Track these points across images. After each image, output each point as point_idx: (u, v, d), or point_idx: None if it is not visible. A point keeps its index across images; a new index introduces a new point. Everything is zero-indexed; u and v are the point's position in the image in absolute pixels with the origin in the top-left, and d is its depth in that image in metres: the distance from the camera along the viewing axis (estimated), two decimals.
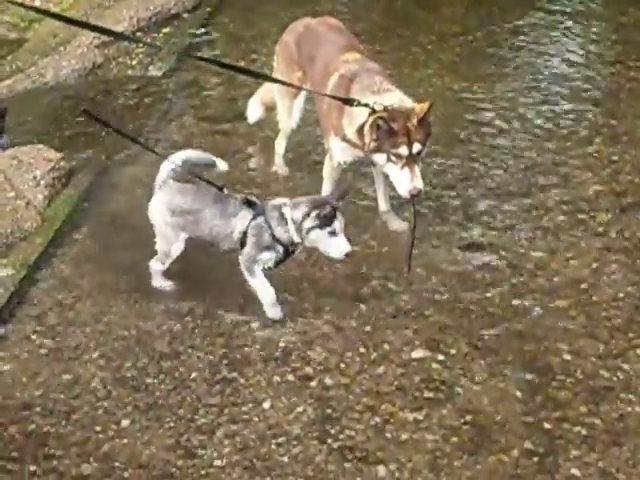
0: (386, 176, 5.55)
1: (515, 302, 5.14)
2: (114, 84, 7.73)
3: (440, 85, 5.29)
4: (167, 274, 5.24)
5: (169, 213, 5.14)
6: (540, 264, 5.46)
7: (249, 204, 5.01)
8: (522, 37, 8.42)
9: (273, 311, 5.01)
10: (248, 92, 6.67)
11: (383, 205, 5.86)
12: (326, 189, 5.76)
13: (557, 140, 6.72)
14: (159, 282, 5.26)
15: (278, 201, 5.05)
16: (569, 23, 8.69)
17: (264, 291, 5.02)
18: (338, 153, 5.63)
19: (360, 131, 5.32)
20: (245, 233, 4.98)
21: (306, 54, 5.91)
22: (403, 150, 5.17)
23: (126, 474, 4.16)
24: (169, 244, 5.18)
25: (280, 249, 4.99)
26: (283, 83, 5.94)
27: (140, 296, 5.21)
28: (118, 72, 7.91)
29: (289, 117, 6.22)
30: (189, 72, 7.79)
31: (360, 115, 5.32)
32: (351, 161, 5.65)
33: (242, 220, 5.00)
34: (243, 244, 5.01)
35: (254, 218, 4.98)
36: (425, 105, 5.24)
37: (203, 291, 5.24)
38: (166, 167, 5.20)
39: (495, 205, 6.00)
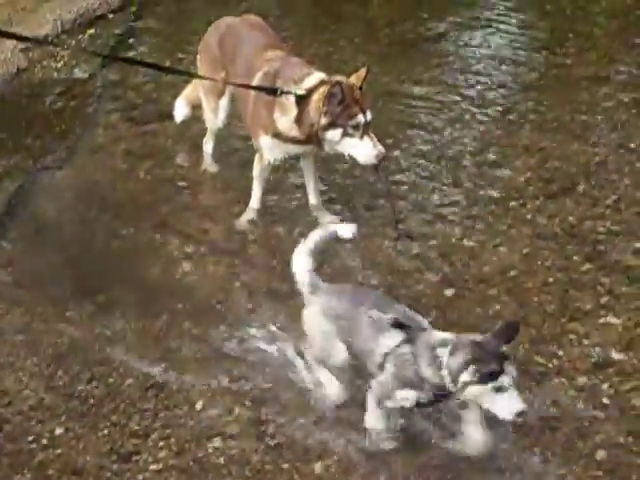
0: (315, 169, 5.71)
1: (447, 292, 5.16)
2: (40, 87, 7.63)
3: (369, 78, 5.28)
4: None
5: (325, 320, 4.29)
6: (471, 253, 5.48)
7: (400, 326, 4.03)
8: (449, 27, 8.46)
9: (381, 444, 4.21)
10: (174, 92, 6.62)
11: (313, 199, 5.83)
12: (256, 189, 5.77)
13: (486, 128, 6.75)
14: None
15: (437, 336, 4.01)
16: (495, 12, 8.74)
17: (375, 424, 4.19)
18: (269, 151, 5.60)
19: (299, 118, 5.29)
20: (387, 356, 4.05)
21: (229, 54, 5.87)
22: (360, 119, 5.17)
23: None
24: (328, 357, 4.30)
25: (429, 391, 4.00)
26: (207, 79, 5.90)
27: (70, 302, 5.15)
28: (43, 75, 7.81)
29: (215, 117, 6.18)
30: (115, 74, 7.72)
31: (292, 105, 5.32)
32: (281, 158, 5.64)
33: (389, 340, 4.05)
34: (382, 368, 4.08)
35: (402, 343, 4.02)
36: (361, 73, 5.28)
37: (134, 293, 5.20)
38: (304, 275, 4.42)
39: (425, 196, 6.01)
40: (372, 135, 5.22)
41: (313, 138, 5.32)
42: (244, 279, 5.34)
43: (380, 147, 5.21)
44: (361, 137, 5.21)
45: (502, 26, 8.41)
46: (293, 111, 5.33)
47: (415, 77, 7.51)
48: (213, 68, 5.95)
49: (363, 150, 5.22)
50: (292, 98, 5.30)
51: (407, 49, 8.13)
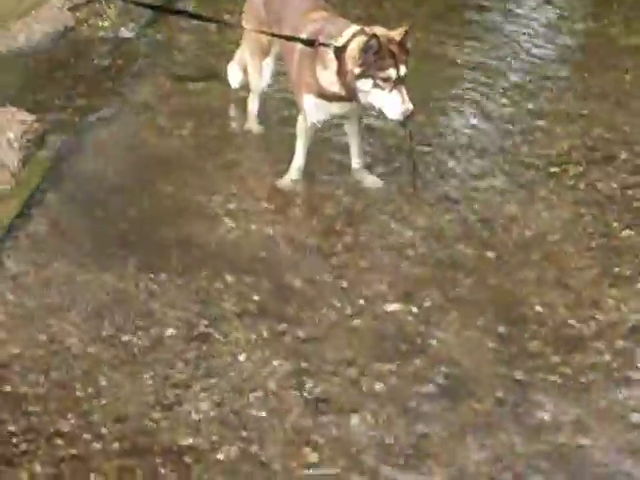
0: (360, 129, 5.78)
1: (488, 254, 5.17)
2: (86, 46, 7.68)
3: (412, 42, 5.31)
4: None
5: None
6: (512, 218, 5.49)
7: None
8: None
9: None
10: (220, 51, 6.72)
11: (356, 162, 5.86)
12: (299, 149, 5.79)
13: (529, 96, 6.76)
14: None
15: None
16: None
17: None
18: (313, 111, 5.63)
19: (339, 71, 5.31)
20: None
21: (274, 15, 5.90)
22: (392, 72, 5.17)
23: (103, 429, 4.15)
24: None
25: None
26: (255, 31, 5.94)
27: (114, 256, 5.20)
28: (90, 34, 7.85)
29: (260, 77, 6.23)
30: (161, 33, 7.80)
31: (331, 58, 5.36)
32: (325, 119, 5.68)
33: None
34: None
35: None
36: (402, 29, 5.28)
37: (176, 248, 5.26)
38: None
39: (467, 161, 6.03)
40: (403, 91, 5.21)
41: (351, 91, 5.33)
42: (286, 236, 5.37)
43: (408, 103, 5.20)
44: (390, 90, 5.21)
45: None
46: (333, 64, 5.37)
47: (459, 43, 7.52)
48: (258, 28, 5.98)
49: (391, 104, 5.22)
50: (331, 51, 5.34)
51: (453, 15, 8.16)
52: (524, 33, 7.70)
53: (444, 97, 6.79)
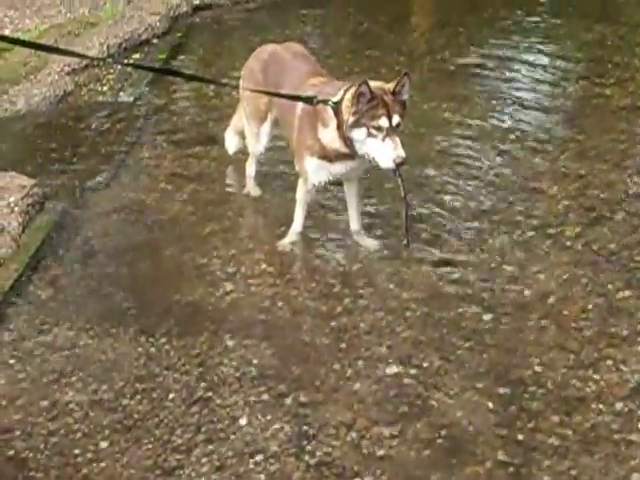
0: (357, 192, 5.85)
1: (486, 316, 5.20)
2: (85, 110, 7.82)
3: (409, 105, 5.38)
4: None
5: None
6: (510, 278, 5.51)
7: None
8: (488, 56, 8.58)
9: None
10: (218, 116, 6.80)
11: (355, 224, 5.92)
12: (299, 212, 5.86)
13: (525, 156, 6.82)
14: None
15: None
16: (534, 41, 8.88)
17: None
18: (313, 173, 5.69)
19: (339, 126, 5.36)
20: None
21: (272, 80, 5.98)
22: (383, 122, 5.22)
23: None
24: None
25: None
26: (258, 91, 5.98)
27: (115, 321, 5.25)
28: (89, 98, 8.00)
29: (257, 141, 6.32)
30: (160, 97, 7.93)
31: (330, 115, 5.43)
32: (326, 181, 5.73)
33: None
34: None
35: None
36: (399, 79, 5.31)
37: (176, 312, 5.31)
38: None
39: (465, 222, 6.07)
40: (397, 140, 5.24)
41: (350, 144, 5.39)
42: (285, 298, 5.41)
43: (400, 151, 5.22)
44: (383, 139, 5.25)
45: (541, 56, 8.54)
46: (333, 120, 5.44)
47: (454, 105, 7.61)
48: (256, 94, 6.06)
49: (383, 152, 5.25)
50: (329, 109, 5.42)
51: (447, 78, 8.25)
52: (519, 96, 7.79)
53: (440, 157, 6.85)
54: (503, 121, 7.37)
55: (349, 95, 5.33)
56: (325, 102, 5.44)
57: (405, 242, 5.50)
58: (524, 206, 6.21)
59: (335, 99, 5.41)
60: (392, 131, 5.25)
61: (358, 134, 5.31)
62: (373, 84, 5.30)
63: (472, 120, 7.36)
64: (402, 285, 5.50)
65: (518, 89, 7.92)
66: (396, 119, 5.26)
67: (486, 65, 8.38)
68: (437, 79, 8.15)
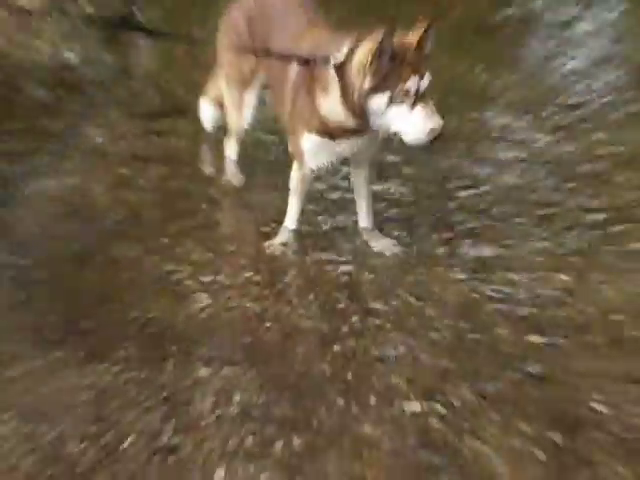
0: (369, 187, 5.85)
1: (533, 338, 5.18)
2: (18, 73, 7.77)
3: (435, 67, 5.36)
4: None
5: None
6: (564, 291, 5.50)
7: None
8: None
9: None
10: (190, 80, 6.76)
11: (365, 221, 5.93)
12: (293, 205, 5.88)
13: (580, 133, 6.82)
14: None
15: None
16: None
17: None
18: (313, 154, 5.66)
19: (344, 92, 5.30)
20: None
21: (259, 35, 5.97)
22: (412, 84, 5.13)
23: None
24: None
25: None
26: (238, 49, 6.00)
27: (57, 342, 5.21)
28: (23, 57, 7.95)
29: (240, 114, 6.31)
30: (116, 57, 7.88)
31: (333, 78, 5.37)
32: (326, 163, 5.70)
33: None
34: None
35: None
36: (420, 29, 5.21)
37: (136, 332, 5.29)
38: None
39: (506, 218, 6.10)
40: (430, 104, 5.17)
41: (361, 116, 5.31)
42: (276, 315, 5.39)
43: (437, 118, 5.13)
44: (412, 107, 5.17)
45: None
46: (336, 85, 5.37)
47: (494, 68, 7.61)
48: (239, 53, 6.06)
49: (412, 122, 5.16)
50: (332, 70, 5.36)
51: (484, 35, 8.25)
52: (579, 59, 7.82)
53: (475, 135, 6.85)
54: (558, 90, 7.34)
55: (362, 52, 5.24)
56: (326, 62, 5.40)
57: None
58: (582, 198, 6.21)
59: (339, 57, 5.36)
60: (422, 95, 5.18)
61: (378, 102, 5.21)
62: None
63: (517, 88, 7.34)
64: (426, 299, 5.47)
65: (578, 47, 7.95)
66: (426, 80, 5.18)
67: (537, 17, 8.40)
68: (471, 34, 8.13)
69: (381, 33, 5.11)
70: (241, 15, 6.15)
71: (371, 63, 5.17)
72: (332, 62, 5.37)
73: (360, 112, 5.31)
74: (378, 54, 5.13)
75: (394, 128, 5.24)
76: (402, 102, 5.17)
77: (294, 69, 5.61)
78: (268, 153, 6.67)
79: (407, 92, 5.15)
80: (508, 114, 7.11)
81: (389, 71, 5.14)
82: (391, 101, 5.18)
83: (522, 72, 7.66)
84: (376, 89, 5.19)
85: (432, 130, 5.13)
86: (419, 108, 5.15)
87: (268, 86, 6.09)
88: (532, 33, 8.31)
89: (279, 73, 5.75)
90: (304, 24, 5.85)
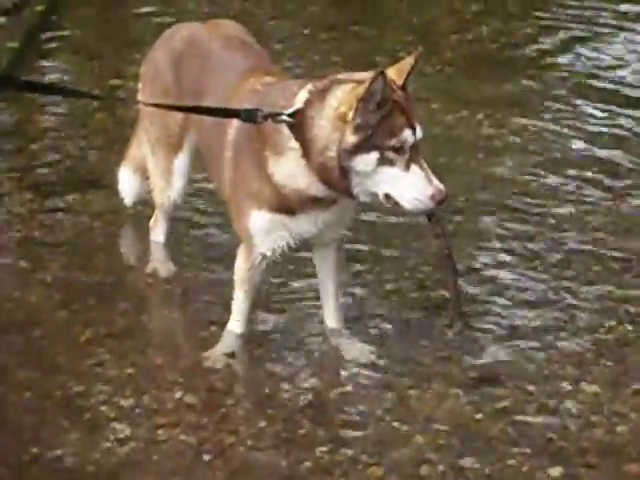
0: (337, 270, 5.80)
1: (553, 471, 5.12)
2: None
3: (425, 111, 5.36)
4: None
5: None
6: (594, 403, 5.48)
7: None
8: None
9: None
10: (105, 141, 6.71)
11: (333, 320, 5.87)
12: (239, 303, 5.80)
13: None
14: None
15: None
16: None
17: None
18: (265, 235, 5.56)
19: (307, 150, 5.20)
20: None
21: (189, 85, 5.94)
22: (408, 135, 5.05)
23: None
24: None
25: None
26: (154, 106, 5.90)
27: None
28: None
29: (168, 185, 6.27)
30: (9, 112, 7.86)
31: (287, 136, 5.26)
32: (283, 248, 5.59)
33: None
34: None
35: None
36: (405, 63, 5.21)
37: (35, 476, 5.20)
38: None
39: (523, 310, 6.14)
40: (424, 164, 5.10)
41: (335, 180, 5.18)
42: (217, 450, 5.29)
43: (438, 183, 5.05)
44: (407, 166, 5.09)
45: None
46: (293, 144, 5.26)
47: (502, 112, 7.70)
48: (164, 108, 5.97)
49: (410, 187, 5.08)
50: (284, 127, 5.25)
51: (483, 64, 8.34)
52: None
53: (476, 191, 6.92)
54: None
55: (341, 100, 5.12)
56: (276, 116, 5.31)
57: (456, 329, 5.58)
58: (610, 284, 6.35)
59: (293, 108, 5.26)
60: (416, 151, 5.10)
61: (364, 162, 5.08)
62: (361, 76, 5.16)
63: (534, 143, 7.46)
64: (413, 423, 5.40)
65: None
66: (420, 129, 5.11)
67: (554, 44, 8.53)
68: (467, 67, 8.22)
69: (373, 75, 4.97)
70: (167, 56, 6.11)
71: (356, 114, 5.04)
72: (284, 115, 5.29)
73: (338, 176, 5.18)
74: (365, 102, 5.01)
75: (386, 192, 5.14)
76: (394, 162, 5.06)
77: (234, 128, 5.51)
78: (205, 233, 6.61)
79: (400, 148, 5.05)
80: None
81: (378, 123, 5.04)
82: (380, 160, 5.07)
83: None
84: (361, 147, 5.06)
85: (437, 193, 5.05)
86: (416, 169, 5.07)
87: (201, 149, 6.05)
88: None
89: (214, 134, 5.68)
90: (247, 70, 5.77)
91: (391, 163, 5.06)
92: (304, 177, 5.30)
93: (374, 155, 5.05)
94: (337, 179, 5.17)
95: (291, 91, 5.35)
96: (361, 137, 5.04)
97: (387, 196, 5.15)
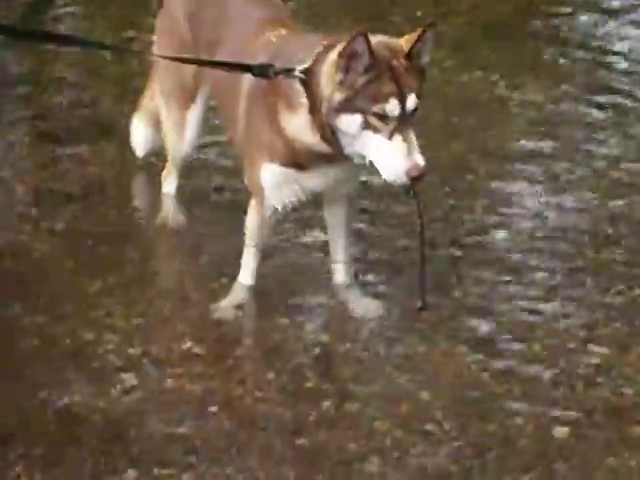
0: (348, 225, 5.83)
1: (558, 432, 5.14)
2: None
3: (433, 74, 5.34)
4: None
5: None
6: (601, 364, 5.52)
7: None
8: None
9: None
10: (118, 92, 6.72)
11: (341, 275, 5.90)
12: (249, 255, 5.83)
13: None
14: None
15: None
16: None
17: None
18: (276, 189, 5.58)
19: (313, 107, 5.22)
20: None
21: (205, 35, 5.93)
22: (393, 105, 5.01)
23: None
24: None
25: None
26: (168, 58, 5.96)
27: None
28: None
29: (180, 137, 6.28)
30: (21, 61, 7.89)
31: (299, 91, 5.26)
32: (293, 201, 5.63)
33: None
34: None
35: None
36: (413, 34, 5.14)
37: (41, 422, 5.22)
38: None
39: (526, 274, 6.16)
40: (411, 137, 5.05)
41: (330, 139, 5.21)
42: (224, 401, 5.33)
43: (417, 157, 5.00)
44: (390, 135, 5.05)
45: None
46: (303, 100, 5.27)
47: (514, 77, 7.69)
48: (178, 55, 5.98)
49: (389, 157, 5.05)
50: (297, 82, 5.25)
51: (496, 34, 8.34)
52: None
53: (489, 161, 6.96)
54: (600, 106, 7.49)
55: (333, 56, 5.12)
56: (289, 71, 5.32)
57: (419, 304, 5.44)
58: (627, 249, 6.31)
59: (304, 65, 5.26)
60: (405, 122, 5.07)
61: (348, 123, 5.08)
62: (375, 39, 5.09)
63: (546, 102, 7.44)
64: (419, 379, 5.44)
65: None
66: (412, 101, 5.07)
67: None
68: (480, 36, 8.20)
69: (354, 35, 4.97)
70: (182, 9, 6.11)
71: (338, 71, 5.06)
72: (297, 71, 5.31)
73: (329, 134, 5.21)
74: (348, 59, 5.02)
75: (367, 158, 5.15)
76: (378, 129, 5.05)
77: (249, 80, 5.51)
78: (217, 188, 6.63)
79: (384, 115, 5.03)
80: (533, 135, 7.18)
81: (363, 85, 5.04)
82: (364, 125, 5.06)
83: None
84: (345, 105, 5.07)
85: (412, 168, 5.01)
86: (398, 139, 5.03)
87: (216, 101, 6.09)
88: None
89: (229, 85, 5.69)
90: (263, 21, 5.78)
91: (375, 129, 5.04)
92: (311, 132, 5.32)
93: (358, 118, 5.04)
94: (330, 137, 5.20)
95: (306, 46, 5.35)
96: (345, 96, 5.05)
97: (371, 163, 5.15)
